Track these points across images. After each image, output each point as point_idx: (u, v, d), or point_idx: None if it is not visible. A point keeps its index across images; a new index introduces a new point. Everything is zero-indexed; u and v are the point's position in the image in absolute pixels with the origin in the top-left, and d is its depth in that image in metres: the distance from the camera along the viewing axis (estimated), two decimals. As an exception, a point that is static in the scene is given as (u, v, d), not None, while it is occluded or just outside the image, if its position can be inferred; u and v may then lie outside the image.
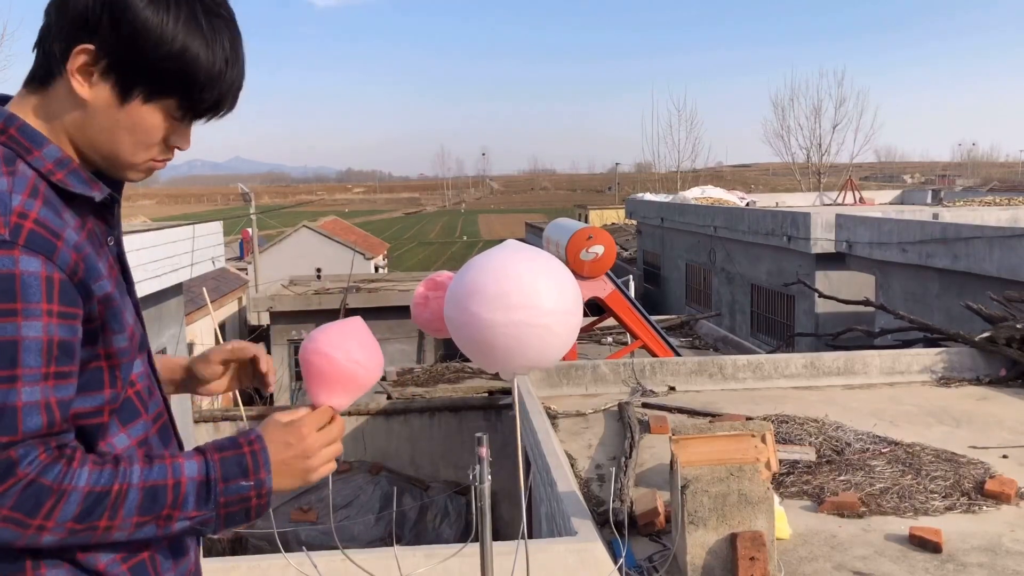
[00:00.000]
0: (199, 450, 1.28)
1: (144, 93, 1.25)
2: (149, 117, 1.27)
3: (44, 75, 1.26)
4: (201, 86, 1.27)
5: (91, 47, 1.22)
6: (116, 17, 1.21)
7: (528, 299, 2.15)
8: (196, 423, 10.65)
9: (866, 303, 10.90)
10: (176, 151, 1.35)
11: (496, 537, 2.58)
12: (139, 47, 1.22)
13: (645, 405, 6.98)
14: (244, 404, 9.91)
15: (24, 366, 1.13)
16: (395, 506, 8.65)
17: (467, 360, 9.98)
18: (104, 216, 1.32)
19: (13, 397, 1.13)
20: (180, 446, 1.45)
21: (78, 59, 1.22)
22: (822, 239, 15.47)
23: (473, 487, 2.39)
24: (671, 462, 4.11)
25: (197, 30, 1.24)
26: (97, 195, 1.27)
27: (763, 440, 4.42)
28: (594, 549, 3.81)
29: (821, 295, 12.56)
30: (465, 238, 69.25)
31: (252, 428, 1.34)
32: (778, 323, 17.72)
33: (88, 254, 1.22)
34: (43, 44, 1.27)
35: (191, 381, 1.63)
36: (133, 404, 1.34)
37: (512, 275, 2.19)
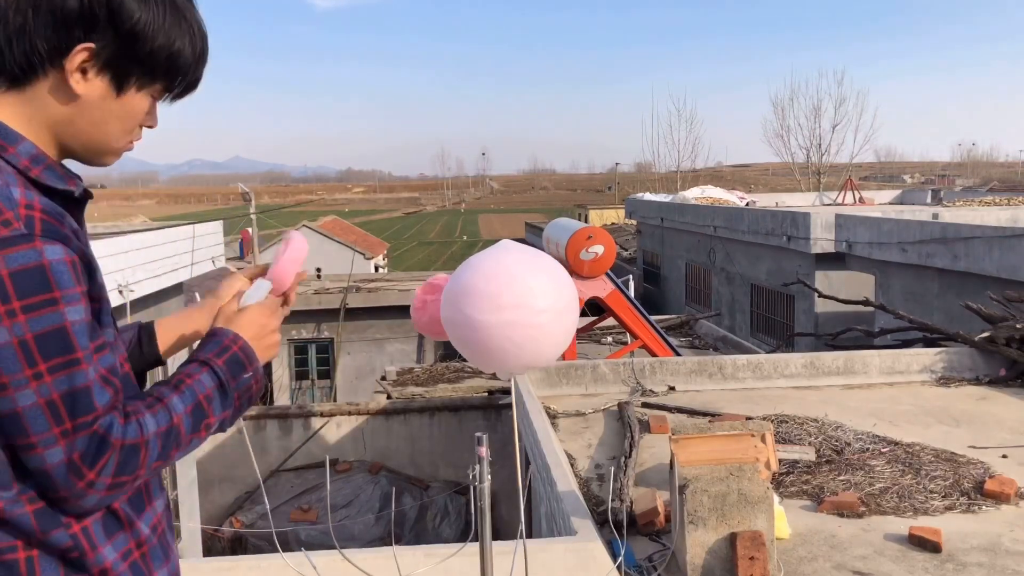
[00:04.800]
0: (201, 362, 1.40)
1: (138, 83, 1.34)
2: (139, 103, 1.37)
3: (20, 73, 1.28)
4: (186, 71, 1.39)
5: (91, 45, 1.27)
6: (114, 14, 1.27)
7: (520, 299, 2.14)
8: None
9: (866, 303, 10.89)
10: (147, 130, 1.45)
11: (496, 537, 2.59)
12: (137, 43, 1.30)
13: (645, 405, 6.98)
14: None
15: (81, 348, 1.20)
16: (395, 506, 8.65)
17: (466, 360, 9.97)
18: (74, 213, 1.35)
19: (82, 378, 1.20)
20: None
21: (77, 57, 1.27)
22: (822, 239, 15.49)
23: (473, 487, 2.39)
24: (671, 462, 4.11)
25: (180, 20, 1.34)
26: (75, 190, 1.32)
27: (763, 440, 4.43)
28: (594, 549, 3.81)
29: (821, 295, 12.55)
30: (465, 238, 69.23)
31: (219, 327, 1.47)
32: (778, 323, 17.72)
33: (85, 242, 1.28)
34: (13, 42, 1.26)
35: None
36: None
37: (504, 275, 2.19)
